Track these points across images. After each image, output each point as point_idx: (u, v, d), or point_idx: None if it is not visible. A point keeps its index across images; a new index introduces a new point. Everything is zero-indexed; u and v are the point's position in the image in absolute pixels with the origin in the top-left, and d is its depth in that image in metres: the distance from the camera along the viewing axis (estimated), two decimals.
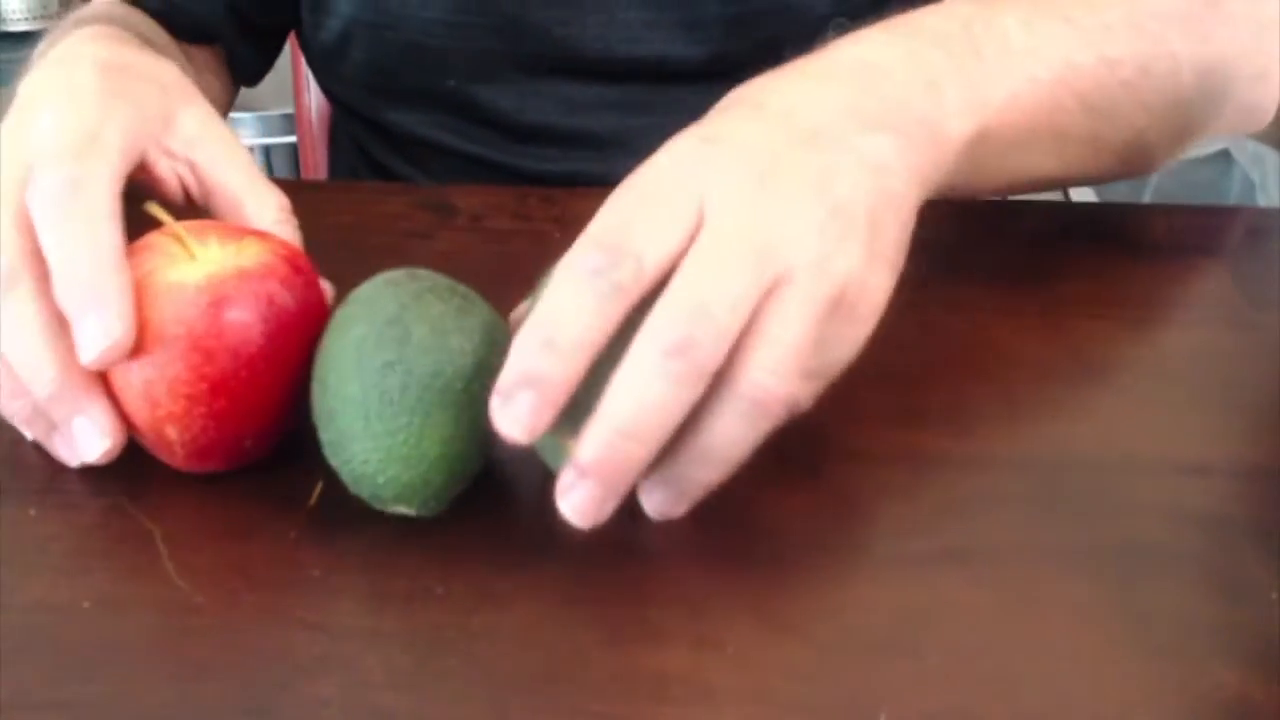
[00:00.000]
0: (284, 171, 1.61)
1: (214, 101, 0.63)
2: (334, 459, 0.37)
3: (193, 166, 0.45)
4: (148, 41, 0.55)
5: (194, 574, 0.37)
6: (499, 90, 0.66)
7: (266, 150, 1.59)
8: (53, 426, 0.39)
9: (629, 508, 0.38)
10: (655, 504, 0.36)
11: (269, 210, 0.44)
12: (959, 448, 0.42)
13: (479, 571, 0.37)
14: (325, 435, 0.37)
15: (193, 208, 0.45)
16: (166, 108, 0.45)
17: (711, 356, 0.33)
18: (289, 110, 1.58)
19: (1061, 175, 0.50)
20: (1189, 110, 0.51)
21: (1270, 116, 0.55)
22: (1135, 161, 0.52)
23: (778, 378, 0.34)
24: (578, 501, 0.34)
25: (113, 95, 0.43)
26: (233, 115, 1.51)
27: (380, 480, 0.36)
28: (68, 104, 0.42)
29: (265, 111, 1.56)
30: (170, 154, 0.45)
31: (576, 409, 0.34)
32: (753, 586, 0.37)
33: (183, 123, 0.45)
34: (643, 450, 0.33)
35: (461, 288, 0.39)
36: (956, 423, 0.43)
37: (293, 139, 1.56)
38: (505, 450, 0.39)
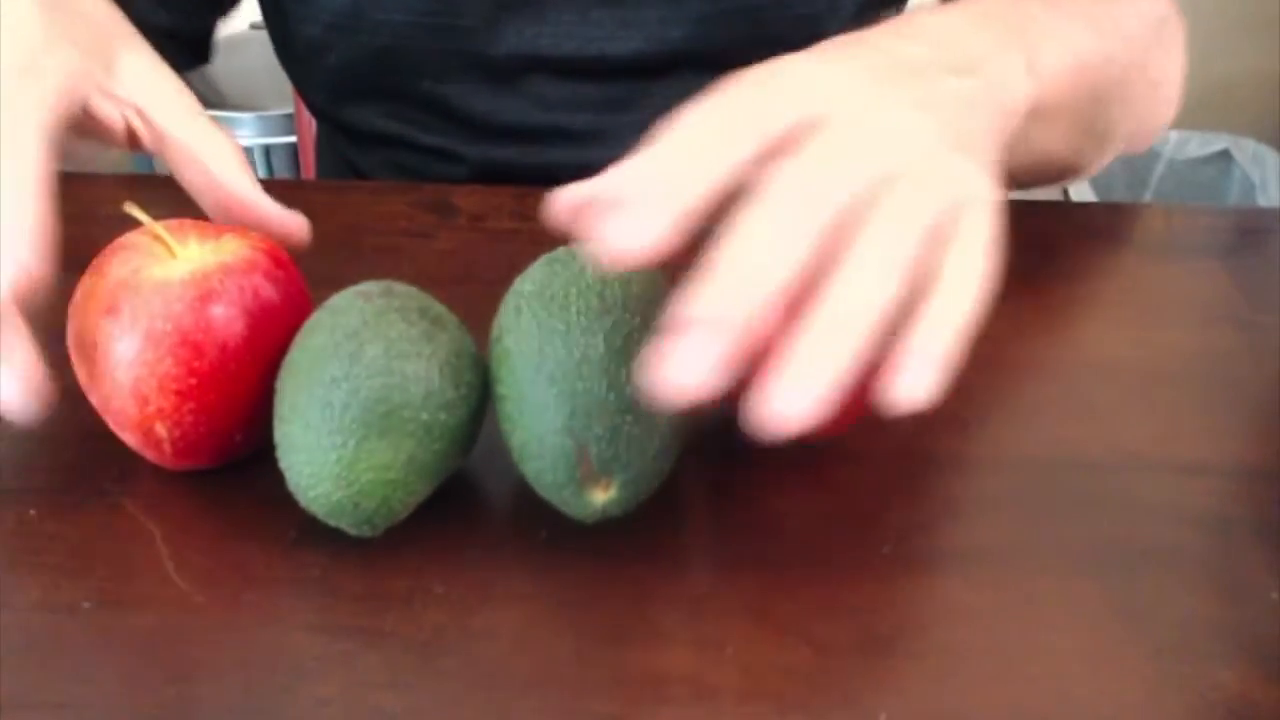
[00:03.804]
0: (284, 171, 1.61)
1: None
2: (280, 462, 0.36)
3: (141, 113, 0.44)
4: None
5: (194, 574, 0.37)
6: (472, 90, 0.65)
7: (266, 150, 1.59)
8: None
9: (628, 512, 0.38)
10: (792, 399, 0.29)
11: (229, 160, 0.44)
12: (959, 448, 0.42)
13: (479, 571, 0.37)
14: (275, 437, 0.36)
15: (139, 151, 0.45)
16: (106, 49, 0.45)
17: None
18: (289, 110, 1.58)
19: (1060, 162, 0.53)
20: (1139, 116, 0.56)
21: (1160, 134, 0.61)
22: (1095, 158, 0.55)
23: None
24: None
25: (55, 33, 0.42)
26: (233, 115, 1.53)
27: (311, 494, 0.35)
28: (7, 33, 0.41)
29: (265, 111, 1.56)
30: (113, 97, 0.44)
31: (542, 445, 0.34)
32: (753, 586, 0.37)
33: (124, 66, 0.45)
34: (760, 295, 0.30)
35: (436, 309, 0.38)
36: (957, 423, 0.43)
37: (293, 139, 1.57)
38: (506, 454, 0.39)
